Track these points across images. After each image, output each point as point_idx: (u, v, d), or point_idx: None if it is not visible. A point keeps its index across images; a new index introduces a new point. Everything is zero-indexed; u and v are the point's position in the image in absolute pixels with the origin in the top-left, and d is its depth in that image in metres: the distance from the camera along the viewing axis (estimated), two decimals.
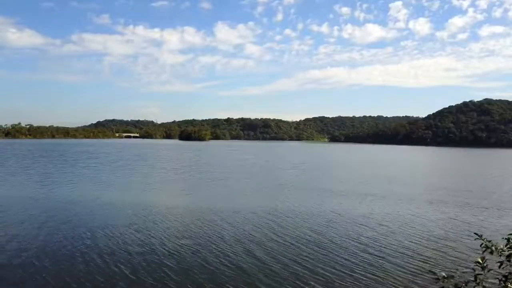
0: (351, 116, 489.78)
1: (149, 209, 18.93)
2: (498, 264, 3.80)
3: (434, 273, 3.77)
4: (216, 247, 13.01)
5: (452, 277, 3.65)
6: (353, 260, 11.99)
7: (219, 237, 14.24)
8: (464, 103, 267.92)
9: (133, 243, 13.49)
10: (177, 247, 13.06)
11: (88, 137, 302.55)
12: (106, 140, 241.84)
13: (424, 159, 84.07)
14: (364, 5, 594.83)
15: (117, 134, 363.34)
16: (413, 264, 11.70)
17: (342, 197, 23.50)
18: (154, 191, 25.61)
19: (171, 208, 19.13)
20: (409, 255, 12.55)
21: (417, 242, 14.13)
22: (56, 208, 18.90)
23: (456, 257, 12.42)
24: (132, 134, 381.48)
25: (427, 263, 11.77)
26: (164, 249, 12.85)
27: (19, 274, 10.61)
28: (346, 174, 39.72)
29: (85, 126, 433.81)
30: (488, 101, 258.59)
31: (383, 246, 13.52)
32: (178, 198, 22.74)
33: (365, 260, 12.02)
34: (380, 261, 11.96)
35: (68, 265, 11.28)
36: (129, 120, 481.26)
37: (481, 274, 3.71)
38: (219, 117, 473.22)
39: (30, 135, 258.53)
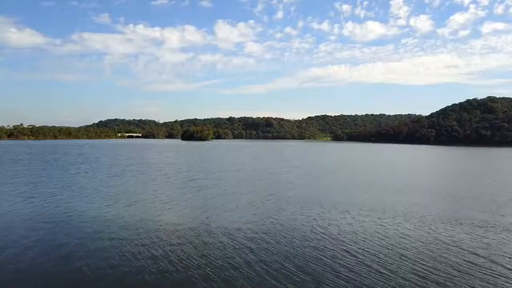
0: (353, 114, 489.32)
1: (145, 223, 18.20)
2: None
3: None
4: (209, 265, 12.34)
5: None
6: None
7: (211, 255, 13.50)
8: (468, 101, 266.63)
9: (131, 262, 12.78)
10: (179, 268, 12.39)
11: (91, 138, 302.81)
12: (108, 141, 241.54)
13: (437, 160, 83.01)
14: (365, 3, 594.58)
15: (119, 134, 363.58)
16: None
17: (364, 215, 21.53)
18: (147, 203, 24.82)
19: (169, 222, 18.39)
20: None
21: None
22: (45, 223, 18.17)
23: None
24: (134, 134, 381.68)
25: None
26: (165, 269, 12.22)
27: None
28: (361, 180, 38.95)
29: (87, 125, 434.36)
30: (491, 99, 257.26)
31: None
32: (174, 211, 21.98)
33: None
34: None
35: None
36: (131, 119, 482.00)
37: None
38: (221, 116, 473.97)
39: (32, 136, 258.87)
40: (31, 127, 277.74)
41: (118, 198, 25.31)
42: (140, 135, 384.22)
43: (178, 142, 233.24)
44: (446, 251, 14.69)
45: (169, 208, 22.31)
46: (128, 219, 19.41)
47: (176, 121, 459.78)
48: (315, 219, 19.70)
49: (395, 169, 53.10)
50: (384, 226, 18.48)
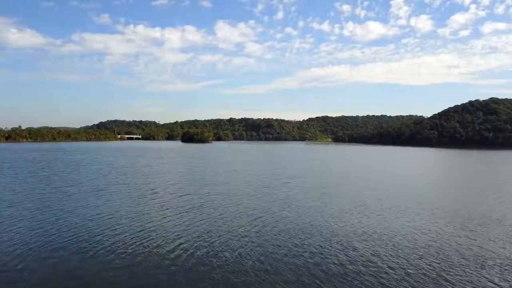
0: (354, 115, 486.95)
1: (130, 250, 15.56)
2: None
3: None
4: None
5: None
6: None
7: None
8: (470, 102, 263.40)
9: None
10: None
11: (90, 140, 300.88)
12: (107, 143, 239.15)
13: (446, 167, 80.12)
14: (365, 3, 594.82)
15: (119, 136, 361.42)
16: None
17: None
18: (125, 226, 22.16)
19: (144, 252, 15.78)
20: None
21: None
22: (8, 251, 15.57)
23: None
24: (134, 136, 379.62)
25: None
26: None
27: None
28: (364, 196, 36.16)
29: (87, 126, 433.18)
30: (494, 100, 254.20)
31: None
32: (153, 238, 19.33)
33: None
34: None
35: None
36: (132, 120, 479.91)
37: None
38: (221, 117, 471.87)
39: (31, 138, 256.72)
40: (29, 129, 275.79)
41: (92, 225, 22.47)
42: (140, 137, 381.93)
43: (177, 144, 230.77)
44: None
45: (148, 235, 19.57)
46: (97, 251, 16.67)
47: (176, 122, 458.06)
48: (307, 253, 16.82)
49: (401, 182, 50.41)
50: (392, 267, 15.58)
